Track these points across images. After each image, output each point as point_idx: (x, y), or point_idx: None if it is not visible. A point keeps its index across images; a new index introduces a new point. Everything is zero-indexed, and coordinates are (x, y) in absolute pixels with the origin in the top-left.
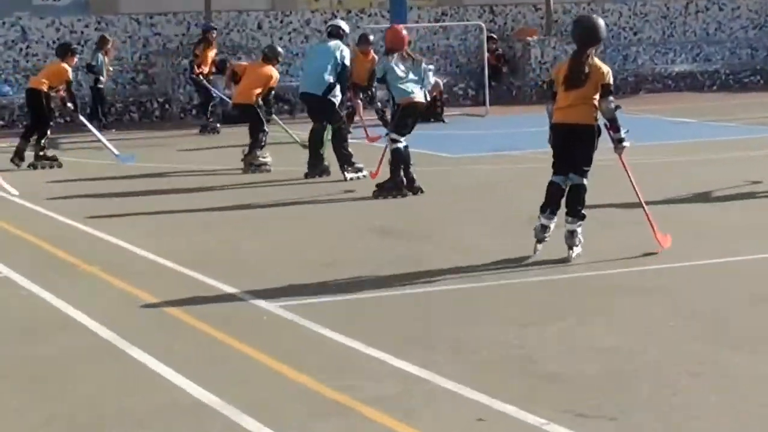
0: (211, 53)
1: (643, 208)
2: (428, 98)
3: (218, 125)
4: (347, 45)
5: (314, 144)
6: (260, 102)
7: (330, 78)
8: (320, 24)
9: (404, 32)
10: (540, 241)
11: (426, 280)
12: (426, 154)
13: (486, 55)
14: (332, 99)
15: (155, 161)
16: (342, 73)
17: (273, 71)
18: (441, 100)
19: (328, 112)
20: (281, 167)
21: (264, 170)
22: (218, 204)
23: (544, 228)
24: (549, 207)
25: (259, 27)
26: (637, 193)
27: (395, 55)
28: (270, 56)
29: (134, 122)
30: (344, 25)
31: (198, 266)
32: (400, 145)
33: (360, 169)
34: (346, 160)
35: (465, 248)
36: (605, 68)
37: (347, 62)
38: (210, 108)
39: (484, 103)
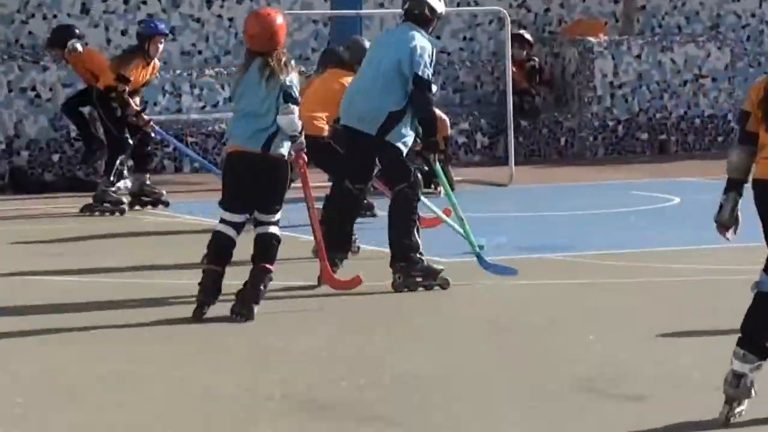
0: (147, 75)
1: None
2: (278, 151)
3: (131, 200)
4: (431, 40)
5: (339, 217)
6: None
7: (392, 101)
8: (199, 8)
9: (279, 20)
10: (731, 401)
11: None
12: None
13: (511, 69)
14: (394, 143)
15: None
16: (420, 92)
17: None
18: (444, 151)
19: (386, 165)
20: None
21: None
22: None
23: (738, 378)
24: (751, 340)
25: (85, 10)
26: None
27: (257, 60)
28: (350, 60)
29: None
30: (434, 1)
31: None
32: (223, 229)
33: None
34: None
35: None
36: None
37: (423, 70)
38: (118, 166)
39: (506, 162)
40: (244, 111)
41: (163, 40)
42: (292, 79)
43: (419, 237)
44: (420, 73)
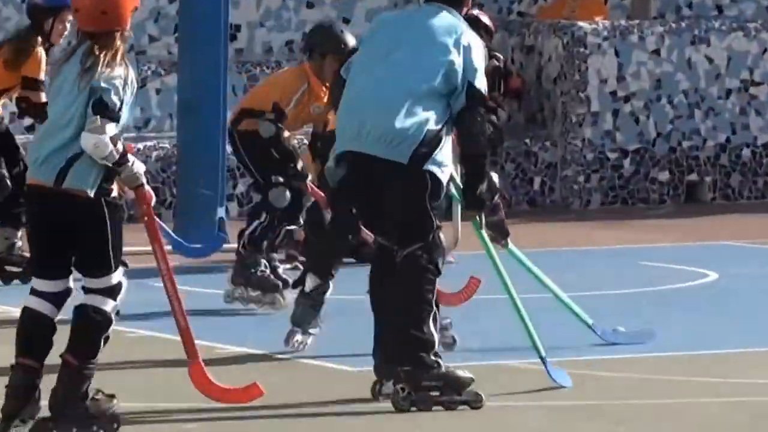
0: (43, 62)
1: None
2: (78, 185)
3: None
4: (470, 30)
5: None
6: None
7: (431, 116)
8: None
9: None
10: None
11: None
12: (301, 363)
13: None
14: (431, 169)
15: None
16: (474, 110)
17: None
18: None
19: (406, 207)
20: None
21: None
22: None
23: None
24: None
25: None
26: None
27: (84, 45)
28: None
29: None
30: None
31: None
32: (34, 304)
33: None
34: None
35: None
36: None
37: (479, 79)
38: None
39: (448, 216)
40: (47, 123)
41: (70, 17)
42: (114, 78)
43: (436, 328)
44: (477, 85)
